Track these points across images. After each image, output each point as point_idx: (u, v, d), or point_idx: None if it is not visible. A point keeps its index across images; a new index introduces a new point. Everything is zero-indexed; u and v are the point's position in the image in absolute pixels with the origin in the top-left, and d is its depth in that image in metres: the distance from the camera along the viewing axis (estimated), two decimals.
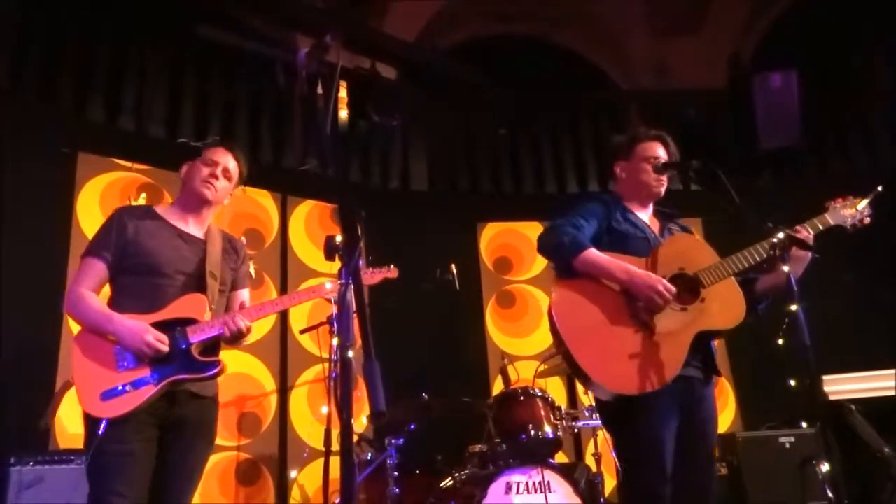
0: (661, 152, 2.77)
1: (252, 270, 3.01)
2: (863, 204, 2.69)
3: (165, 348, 2.42)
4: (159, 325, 2.46)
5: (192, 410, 2.51)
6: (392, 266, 3.02)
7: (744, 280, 2.66)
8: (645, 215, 2.79)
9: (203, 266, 2.61)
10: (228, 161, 2.72)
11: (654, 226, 2.78)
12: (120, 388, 2.38)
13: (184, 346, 2.46)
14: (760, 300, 2.71)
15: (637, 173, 2.76)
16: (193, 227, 2.70)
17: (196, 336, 2.49)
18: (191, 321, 2.51)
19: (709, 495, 2.53)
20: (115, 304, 2.52)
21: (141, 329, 2.41)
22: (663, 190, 2.78)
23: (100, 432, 2.31)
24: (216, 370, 2.51)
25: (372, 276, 2.98)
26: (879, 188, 2.71)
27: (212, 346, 2.58)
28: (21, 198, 4.59)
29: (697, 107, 6.88)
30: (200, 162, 2.71)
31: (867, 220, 2.69)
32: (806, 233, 2.60)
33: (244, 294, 2.81)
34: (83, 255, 2.58)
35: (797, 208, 2.72)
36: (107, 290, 2.60)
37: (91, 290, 2.52)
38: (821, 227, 2.66)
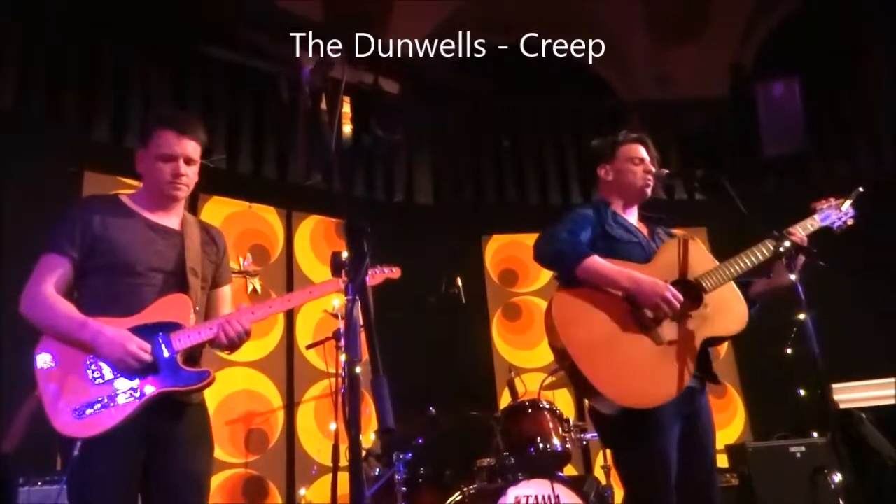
0: (643, 153, 2.74)
1: (258, 286, 3.00)
2: (846, 205, 2.68)
3: (149, 358, 2.14)
4: (138, 331, 2.17)
5: (181, 421, 2.25)
6: (395, 267, 2.85)
7: (738, 284, 2.61)
8: (633, 219, 2.75)
9: (182, 262, 2.31)
10: (186, 148, 2.33)
11: (643, 230, 2.73)
12: (96, 403, 2.09)
13: (168, 355, 2.18)
14: (753, 303, 2.66)
15: (623, 174, 2.72)
16: (166, 218, 2.38)
17: (181, 343, 2.21)
18: (174, 325, 2.23)
19: None
20: (81, 307, 2.22)
21: (123, 338, 2.12)
22: (650, 190, 2.74)
23: (75, 454, 2.04)
24: (205, 381, 2.23)
25: (373, 277, 2.76)
26: (860, 189, 2.70)
27: (194, 353, 2.33)
28: (27, 217, 4.60)
29: (700, 115, 6.89)
30: (156, 158, 2.31)
31: (850, 222, 2.68)
32: (800, 235, 2.59)
33: (226, 292, 2.52)
34: (44, 250, 2.27)
35: (802, 214, 2.71)
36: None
37: (55, 290, 2.22)
38: (811, 229, 2.64)
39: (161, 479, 2.20)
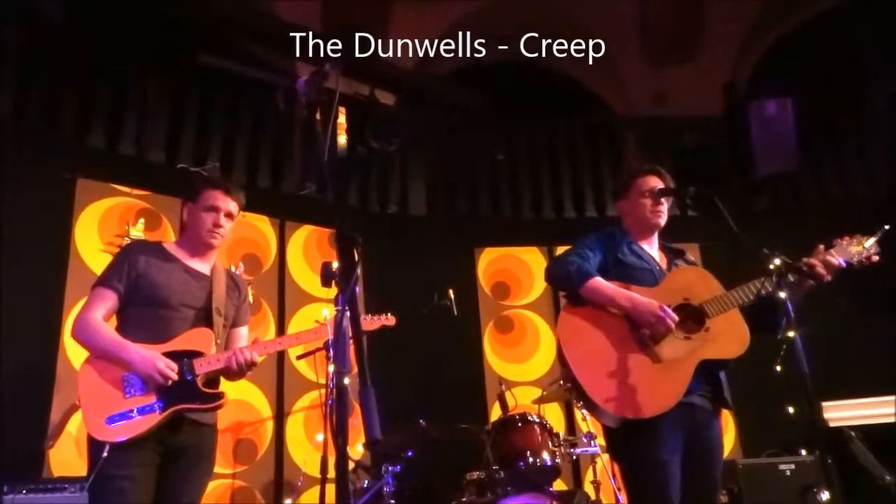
0: (656, 184, 2.83)
1: (249, 296, 3.06)
2: (870, 242, 2.70)
3: (175, 376, 2.52)
4: (168, 356, 2.55)
5: (193, 437, 2.59)
6: (390, 314, 3.21)
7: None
8: (652, 250, 2.86)
9: (210, 302, 2.72)
10: (229, 205, 2.78)
11: (662, 260, 2.84)
12: (126, 413, 2.46)
13: (189, 378, 2.56)
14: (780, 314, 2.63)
15: (635, 208, 2.84)
16: (200, 264, 2.79)
17: (202, 368, 2.59)
18: (197, 354, 2.61)
19: None
20: (122, 333, 2.60)
21: (154, 357, 2.51)
22: (662, 221, 2.84)
23: (104, 456, 2.37)
24: (220, 401, 2.62)
25: (370, 323, 3.15)
26: (887, 227, 2.72)
27: (213, 379, 2.69)
28: (19, 222, 4.59)
29: (695, 133, 6.93)
30: (201, 210, 2.75)
31: (875, 258, 2.69)
32: (831, 261, 2.59)
33: (243, 331, 2.89)
34: (95, 284, 2.66)
35: (795, 233, 2.73)
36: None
37: (102, 318, 2.60)
38: (837, 265, 2.63)
39: (166, 484, 2.52)
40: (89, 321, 2.58)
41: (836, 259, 2.63)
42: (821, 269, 2.59)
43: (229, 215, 2.79)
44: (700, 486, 2.52)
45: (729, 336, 2.58)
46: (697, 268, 2.86)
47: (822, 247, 2.68)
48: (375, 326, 3.18)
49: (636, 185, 2.85)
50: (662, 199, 2.81)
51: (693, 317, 2.60)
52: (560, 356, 2.61)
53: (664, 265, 2.82)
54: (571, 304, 2.68)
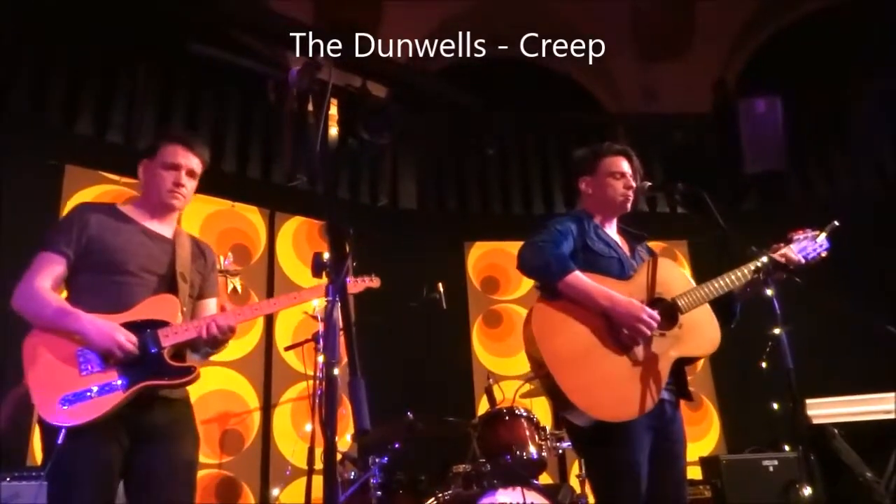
0: (625, 167, 2.76)
1: (238, 286, 3.00)
2: (821, 237, 2.71)
3: (135, 350, 2.22)
4: (128, 327, 2.26)
5: (165, 415, 2.32)
6: (374, 275, 3.00)
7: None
8: (613, 233, 2.78)
9: (173, 266, 2.43)
10: (191, 161, 2.49)
11: (625, 246, 2.76)
12: (83, 393, 2.15)
13: (154, 350, 2.27)
14: (734, 314, 2.71)
15: (603, 188, 2.74)
16: (160, 227, 2.51)
17: (169, 339, 2.30)
18: (162, 323, 2.32)
19: None
20: (72, 303, 2.29)
21: (111, 328, 2.21)
22: (629, 205, 2.76)
23: (59, 442, 2.08)
24: (191, 376, 2.33)
25: (354, 285, 2.93)
26: (836, 223, 2.73)
27: (179, 352, 2.41)
28: (5, 208, 4.55)
29: (684, 131, 6.96)
30: (160, 167, 2.46)
31: (824, 255, 2.70)
32: (790, 255, 2.63)
33: (211, 304, 2.59)
34: (40, 249, 2.34)
35: (782, 232, 2.75)
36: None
37: (49, 286, 2.29)
38: (797, 260, 2.67)
39: (147, 472, 2.26)
40: (34, 289, 2.25)
41: (795, 255, 2.64)
42: (780, 261, 2.59)
43: (191, 173, 2.49)
44: (667, 482, 2.48)
45: (701, 333, 2.53)
46: (668, 260, 2.79)
47: (782, 244, 2.68)
48: (360, 289, 2.95)
49: (603, 165, 2.75)
50: (632, 183, 2.72)
51: (666, 312, 2.52)
52: (531, 351, 2.46)
53: (627, 251, 2.73)
54: (546, 296, 2.52)
